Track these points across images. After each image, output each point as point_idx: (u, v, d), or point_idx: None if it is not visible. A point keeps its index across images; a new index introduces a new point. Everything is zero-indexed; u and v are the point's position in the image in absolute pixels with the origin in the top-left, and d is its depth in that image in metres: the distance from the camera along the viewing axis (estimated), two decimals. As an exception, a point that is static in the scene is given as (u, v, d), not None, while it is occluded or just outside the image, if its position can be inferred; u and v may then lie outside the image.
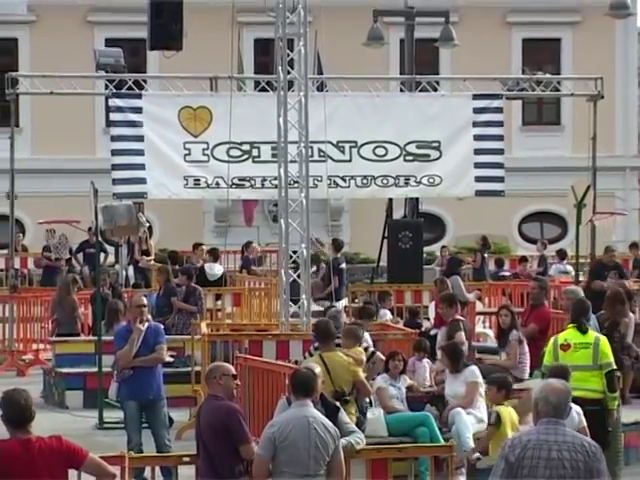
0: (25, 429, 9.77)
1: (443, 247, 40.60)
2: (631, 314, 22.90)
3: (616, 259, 31.01)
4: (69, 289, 26.64)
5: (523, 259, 37.66)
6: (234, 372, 12.53)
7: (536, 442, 9.81)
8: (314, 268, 28.83)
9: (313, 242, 30.02)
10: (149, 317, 19.69)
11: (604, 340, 17.05)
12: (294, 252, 24.06)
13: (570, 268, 32.93)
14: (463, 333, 20.49)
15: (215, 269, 32.32)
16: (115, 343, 18.04)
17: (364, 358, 17.41)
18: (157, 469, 14.00)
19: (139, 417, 17.13)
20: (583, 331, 16.93)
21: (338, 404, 13.57)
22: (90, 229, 31.78)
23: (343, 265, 31.75)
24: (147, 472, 14.36)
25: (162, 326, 18.54)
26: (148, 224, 35.73)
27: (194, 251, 33.72)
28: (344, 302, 29.67)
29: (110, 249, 35.47)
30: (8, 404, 9.90)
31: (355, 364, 16.57)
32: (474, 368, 18.13)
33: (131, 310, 18.19)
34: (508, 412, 15.51)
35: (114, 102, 32.06)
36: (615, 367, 16.71)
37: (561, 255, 35.90)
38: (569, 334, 17.05)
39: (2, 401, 9.98)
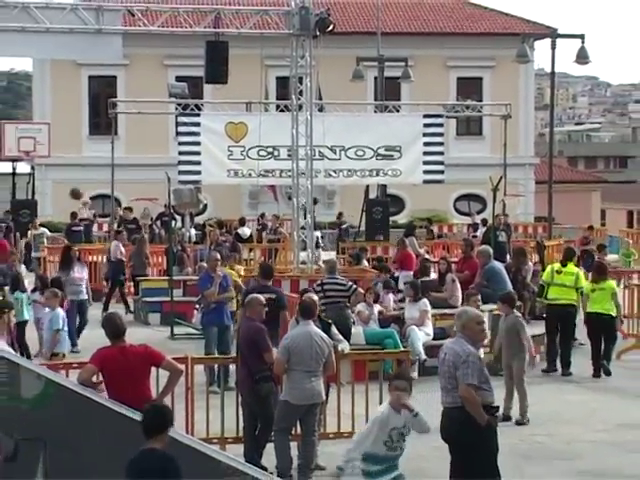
0: (121, 339, 9.68)
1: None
2: (530, 263, 22.81)
3: (503, 220, 30.46)
4: (143, 244, 26.56)
5: (475, 224, 37.40)
6: (263, 302, 12.44)
7: (444, 347, 9.75)
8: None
9: None
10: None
11: (581, 273, 18.73)
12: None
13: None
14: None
15: (245, 231, 32.72)
16: (200, 285, 17.63)
17: (242, 273, 20.45)
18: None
19: (216, 337, 16.64)
20: (570, 265, 18.47)
21: (330, 321, 13.48)
22: (166, 205, 31.65)
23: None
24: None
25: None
26: (205, 201, 35.70)
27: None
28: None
29: (178, 218, 35.29)
30: (109, 322, 9.84)
31: (236, 275, 19.29)
32: (425, 300, 18.06)
33: (209, 263, 17.86)
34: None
35: (181, 119, 31.99)
36: (585, 288, 18.18)
37: (484, 222, 35.73)
38: (561, 266, 18.56)
39: (105, 321, 9.96)
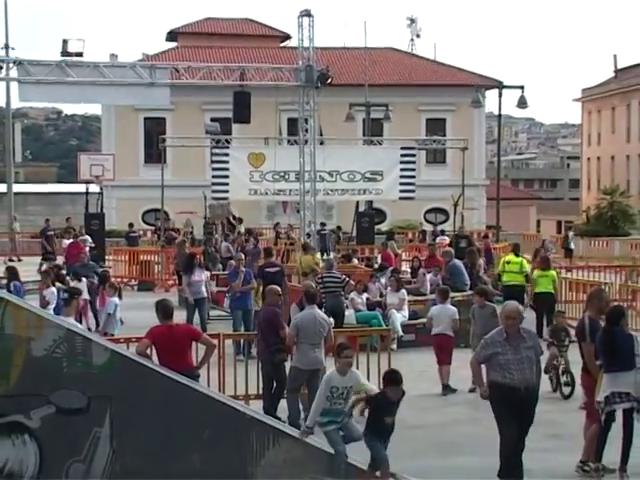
0: (170, 319, 9.73)
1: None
2: (481, 260, 22.80)
3: (465, 232, 30.42)
4: (183, 246, 26.36)
5: (423, 231, 37.41)
6: (280, 292, 12.45)
7: None
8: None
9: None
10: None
11: (525, 261, 19.40)
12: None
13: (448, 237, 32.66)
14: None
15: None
16: (229, 278, 17.70)
17: (317, 260, 20.08)
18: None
19: (241, 318, 16.73)
20: (517, 256, 19.19)
21: (323, 304, 13.48)
22: (206, 217, 31.64)
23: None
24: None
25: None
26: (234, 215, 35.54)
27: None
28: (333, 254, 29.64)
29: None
30: (162, 306, 9.88)
31: (312, 262, 19.64)
32: (404, 290, 18.14)
33: (235, 260, 17.97)
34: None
35: (214, 150, 31.94)
36: (528, 271, 18.75)
37: (442, 232, 35.51)
38: (509, 257, 19.38)
39: (159, 305, 9.97)
